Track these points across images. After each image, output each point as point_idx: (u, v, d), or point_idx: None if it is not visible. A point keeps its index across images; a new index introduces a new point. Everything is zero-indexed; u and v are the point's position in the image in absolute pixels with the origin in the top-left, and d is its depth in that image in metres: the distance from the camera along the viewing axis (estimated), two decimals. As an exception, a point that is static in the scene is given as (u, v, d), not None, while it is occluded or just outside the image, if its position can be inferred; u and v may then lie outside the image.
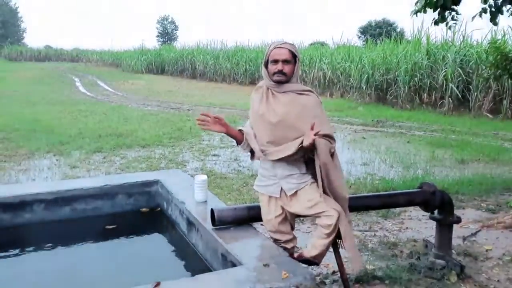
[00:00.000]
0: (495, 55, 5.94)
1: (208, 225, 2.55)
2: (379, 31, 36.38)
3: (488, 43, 9.70)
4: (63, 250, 2.95)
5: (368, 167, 6.40)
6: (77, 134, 8.30)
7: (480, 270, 3.09)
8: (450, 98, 12.23)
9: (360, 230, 3.87)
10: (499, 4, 4.43)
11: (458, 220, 3.08)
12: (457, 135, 8.97)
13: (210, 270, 2.40)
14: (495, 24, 4.53)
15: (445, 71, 12.44)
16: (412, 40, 14.81)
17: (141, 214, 3.42)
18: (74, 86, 21.28)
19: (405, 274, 2.95)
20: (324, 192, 2.36)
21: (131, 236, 3.16)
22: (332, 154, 2.37)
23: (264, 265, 2.04)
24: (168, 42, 55.17)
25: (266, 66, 2.41)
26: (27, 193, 3.12)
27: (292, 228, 2.54)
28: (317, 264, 2.46)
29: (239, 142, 2.49)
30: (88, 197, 3.26)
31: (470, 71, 12.28)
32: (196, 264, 2.61)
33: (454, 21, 4.72)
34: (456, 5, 4.57)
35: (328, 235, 2.33)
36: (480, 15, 4.54)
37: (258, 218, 2.57)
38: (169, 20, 64.15)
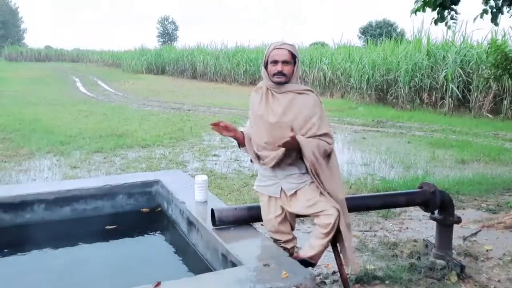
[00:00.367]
0: (495, 55, 5.94)
1: (209, 225, 2.55)
2: (379, 31, 36.43)
3: (488, 43, 9.69)
4: (64, 250, 2.95)
5: (368, 167, 6.41)
6: (77, 134, 8.30)
7: (480, 270, 3.09)
8: (450, 99, 12.23)
9: (361, 230, 3.87)
10: (500, 5, 4.43)
11: (459, 220, 3.08)
12: (457, 135, 8.97)
13: (210, 270, 2.40)
14: (496, 24, 4.53)
15: (445, 72, 12.43)
16: (413, 40, 14.80)
17: (141, 214, 3.42)
18: (75, 86, 21.29)
19: (405, 274, 2.95)
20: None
21: (131, 236, 3.16)
22: (329, 155, 2.37)
23: (264, 265, 2.04)
24: (169, 42, 55.25)
25: (265, 67, 2.41)
26: (28, 193, 3.12)
27: (292, 228, 2.54)
28: (314, 264, 2.46)
29: (242, 146, 2.51)
30: (89, 197, 3.27)
31: (471, 71, 12.28)
32: (196, 264, 2.61)
33: (454, 21, 4.72)
34: (455, 5, 4.57)
35: (326, 234, 2.32)
36: (481, 16, 4.54)
37: (258, 218, 2.57)
38: (170, 20, 64.26)
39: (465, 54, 12.65)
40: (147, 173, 4.55)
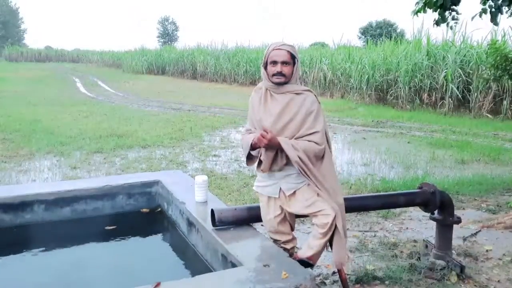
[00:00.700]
0: (495, 56, 5.94)
1: (208, 225, 2.55)
2: (379, 31, 36.41)
3: (488, 44, 9.68)
4: (63, 250, 2.95)
5: (368, 167, 6.41)
6: (77, 134, 8.30)
7: (480, 271, 3.09)
8: (450, 99, 12.23)
9: (361, 231, 3.87)
10: (499, 4, 4.42)
11: (458, 221, 3.09)
12: (457, 135, 8.97)
13: (210, 271, 2.40)
14: (496, 24, 4.52)
15: (445, 72, 12.44)
16: (413, 40, 14.81)
17: (141, 214, 3.42)
18: (75, 86, 21.30)
19: (405, 274, 2.95)
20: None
21: (131, 237, 3.17)
22: (323, 157, 2.37)
23: (264, 266, 2.05)
24: (169, 42, 55.24)
25: (265, 67, 2.41)
26: (28, 194, 3.13)
27: (292, 228, 2.55)
28: (313, 265, 2.46)
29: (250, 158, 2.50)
30: (89, 198, 3.27)
31: (470, 71, 12.28)
32: (196, 265, 2.62)
33: (455, 21, 4.72)
34: (455, 5, 4.57)
35: (324, 234, 2.33)
36: (480, 15, 4.54)
37: (258, 219, 2.57)
38: (170, 20, 64.24)
39: (465, 55, 12.65)
40: (147, 173, 4.55)
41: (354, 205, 2.89)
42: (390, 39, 16.94)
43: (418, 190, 3.10)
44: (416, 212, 4.30)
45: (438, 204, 3.00)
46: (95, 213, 3.28)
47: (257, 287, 1.85)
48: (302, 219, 3.83)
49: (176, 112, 12.30)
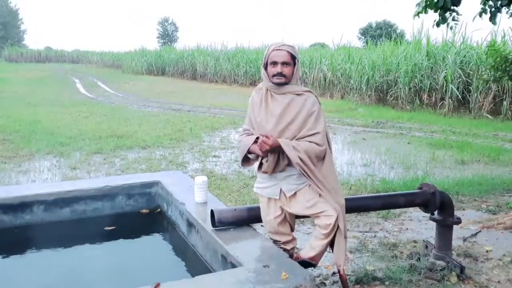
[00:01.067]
0: (495, 57, 5.94)
1: (208, 226, 2.55)
2: (379, 32, 36.45)
3: (488, 45, 9.70)
4: (63, 251, 2.95)
5: (368, 168, 6.41)
6: (77, 135, 8.30)
7: (480, 271, 3.09)
8: (450, 99, 12.23)
9: (361, 231, 3.87)
10: (499, 5, 4.43)
11: (458, 221, 3.08)
12: (457, 136, 8.97)
13: (210, 271, 2.40)
14: (494, 23, 4.53)
15: (445, 72, 12.44)
16: (412, 41, 14.82)
17: (141, 215, 3.42)
18: (75, 87, 21.30)
19: (405, 275, 2.95)
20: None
21: (131, 237, 3.17)
22: (324, 158, 2.36)
23: (264, 266, 2.04)
24: (169, 43, 55.27)
25: (265, 68, 2.41)
26: (27, 195, 3.12)
27: (292, 229, 2.54)
28: (315, 265, 2.46)
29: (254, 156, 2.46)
30: (88, 198, 3.27)
31: (470, 72, 12.28)
32: (196, 265, 2.61)
33: (455, 22, 4.73)
34: (456, 6, 4.57)
35: (326, 235, 2.33)
36: (480, 15, 4.55)
37: (258, 219, 2.57)
38: (170, 21, 64.28)
39: (464, 55, 12.66)
40: (147, 174, 4.55)
41: (354, 206, 2.88)
42: (390, 40, 16.96)
43: (418, 191, 3.09)
44: (416, 212, 4.29)
45: (438, 205, 3.00)
46: (95, 214, 3.28)
47: (257, 288, 1.84)
48: (302, 219, 3.83)
49: (176, 112, 12.30)
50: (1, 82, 22.10)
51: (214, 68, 24.45)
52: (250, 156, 2.42)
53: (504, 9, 4.56)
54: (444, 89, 12.48)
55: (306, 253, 2.40)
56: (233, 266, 2.16)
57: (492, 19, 4.46)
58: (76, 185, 3.37)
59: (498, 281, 2.95)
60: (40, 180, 5.51)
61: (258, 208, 2.55)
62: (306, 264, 2.36)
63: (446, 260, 3.03)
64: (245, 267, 2.05)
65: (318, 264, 2.59)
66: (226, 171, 6.00)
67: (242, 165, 2.50)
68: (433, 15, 4.72)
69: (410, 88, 13.31)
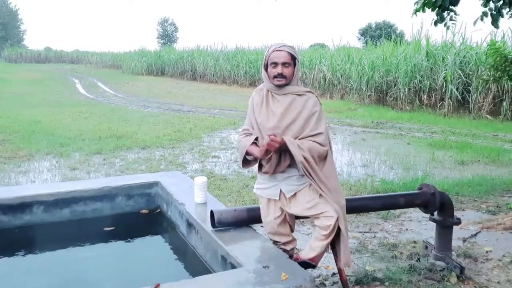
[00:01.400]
0: (495, 57, 5.93)
1: (208, 226, 2.55)
2: (379, 32, 36.48)
3: (488, 45, 9.70)
4: (63, 252, 2.95)
5: (368, 168, 6.40)
6: (77, 135, 8.30)
7: (480, 272, 3.09)
8: (450, 100, 12.23)
9: (360, 232, 3.87)
10: (499, 7, 4.43)
11: (458, 222, 3.08)
12: (457, 136, 8.97)
13: (209, 272, 2.40)
14: (497, 27, 4.53)
15: (444, 73, 12.44)
16: (412, 41, 14.82)
17: (141, 215, 3.42)
18: (74, 87, 21.30)
19: (405, 275, 2.95)
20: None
21: (130, 238, 3.16)
22: (325, 158, 2.36)
23: (264, 267, 2.04)
24: (169, 43, 55.27)
25: (265, 69, 2.41)
26: (27, 195, 3.12)
27: (292, 230, 2.54)
28: (314, 266, 2.45)
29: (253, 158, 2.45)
30: (88, 199, 3.26)
31: (470, 72, 12.29)
32: (195, 266, 2.61)
33: (453, 22, 4.73)
34: (454, 6, 4.57)
35: (326, 236, 2.32)
36: (482, 19, 4.54)
37: (258, 220, 2.57)
38: (170, 22, 64.30)
39: (464, 56, 12.67)
40: (146, 174, 4.54)
41: (354, 206, 2.88)
42: (390, 40, 16.94)
43: (418, 191, 3.09)
44: (416, 213, 4.29)
45: (438, 205, 3.00)
46: (94, 214, 3.28)
47: (257, 289, 1.84)
48: (302, 220, 3.83)
49: (175, 113, 12.30)
50: (0, 82, 22.10)
51: (213, 68, 24.46)
52: (248, 158, 2.42)
53: (505, 11, 4.56)
54: (443, 89, 12.48)
55: (306, 254, 2.40)
56: (233, 266, 2.16)
57: (494, 23, 4.45)
58: (75, 186, 3.37)
59: (498, 282, 2.95)
60: (40, 180, 5.50)
61: (258, 208, 2.54)
62: (306, 264, 2.36)
63: (446, 260, 3.03)
64: (245, 268, 2.05)
65: (318, 265, 2.59)
66: (226, 172, 6.00)
67: (242, 166, 2.50)
68: (432, 15, 4.73)
69: (409, 89, 13.31)
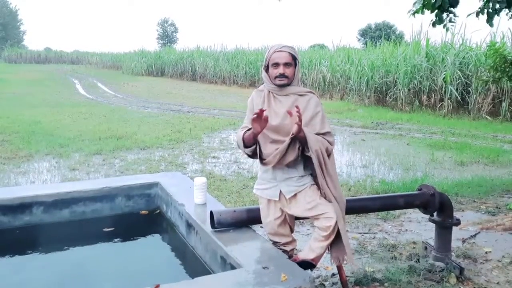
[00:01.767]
0: (494, 58, 5.94)
1: (208, 227, 2.55)
2: (378, 33, 36.50)
3: (487, 46, 9.70)
4: (62, 252, 2.95)
5: (367, 169, 6.41)
6: (76, 136, 8.30)
7: (479, 272, 3.09)
8: (449, 100, 12.24)
9: (360, 232, 3.87)
10: (497, 7, 4.44)
11: (458, 222, 3.09)
12: (456, 137, 8.97)
13: (209, 273, 2.40)
14: (491, 25, 4.54)
15: (444, 74, 12.45)
16: (412, 42, 14.83)
17: (140, 216, 3.42)
18: (74, 88, 21.29)
19: (404, 276, 2.95)
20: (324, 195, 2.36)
21: (130, 239, 3.16)
22: (329, 155, 2.37)
23: (264, 268, 2.04)
24: (168, 44, 55.28)
25: (266, 70, 2.41)
26: (27, 196, 3.12)
27: (292, 230, 2.54)
28: (314, 266, 2.45)
29: (251, 145, 2.39)
30: (88, 200, 3.26)
31: (469, 73, 12.30)
32: (195, 267, 2.61)
33: (452, 23, 4.74)
34: (453, 7, 4.58)
35: (327, 237, 2.32)
36: (477, 15, 4.55)
37: (258, 221, 2.57)
38: (169, 22, 64.30)
39: (464, 56, 12.68)
40: (146, 175, 4.54)
41: (353, 207, 2.88)
42: (389, 41, 16.95)
43: (417, 192, 3.10)
44: (415, 214, 4.30)
45: (437, 206, 3.01)
46: (94, 215, 3.28)
47: (256, 289, 1.84)
48: (301, 221, 3.83)
49: (175, 113, 12.30)
50: (0, 82, 22.09)
51: (213, 69, 24.46)
52: (246, 151, 2.38)
53: (504, 11, 4.57)
54: (443, 90, 12.49)
55: (305, 255, 2.40)
56: (233, 267, 2.16)
57: (489, 21, 4.47)
58: (75, 186, 3.37)
59: (497, 282, 2.96)
60: (40, 181, 5.50)
61: (258, 209, 2.54)
62: (306, 265, 2.36)
63: (445, 261, 3.03)
64: (244, 269, 2.05)
65: (318, 266, 2.59)
66: (226, 172, 6.00)
67: (251, 157, 2.44)
68: (431, 16, 4.73)
69: (409, 89, 13.32)
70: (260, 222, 2.55)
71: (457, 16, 4.66)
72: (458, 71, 12.30)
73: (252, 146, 2.37)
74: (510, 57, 5.82)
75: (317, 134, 2.32)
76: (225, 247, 2.29)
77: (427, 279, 2.93)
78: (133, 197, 3.42)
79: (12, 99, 15.04)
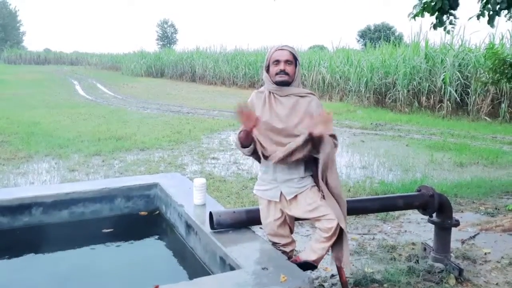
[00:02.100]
0: (493, 59, 5.96)
1: (207, 228, 2.55)
2: (378, 34, 36.55)
3: (486, 47, 9.72)
4: (61, 253, 2.94)
5: (367, 170, 6.41)
6: (76, 137, 8.29)
7: (478, 274, 3.09)
8: (448, 102, 12.25)
9: (359, 233, 3.87)
10: (497, 8, 4.45)
11: (457, 223, 3.09)
12: (455, 138, 8.98)
13: (208, 274, 2.40)
14: (492, 26, 4.55)
15: (443, 75, 12.46)
16: (411, 43, 14.85)
17: (139, 217, 3.42)
18: (73, 89, 21.29)
19: (403, 277, 2.95)
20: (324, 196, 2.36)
21: (129, 240, 3.16)
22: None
23: (263, 269, 2.04)
24: (168, 45, 55.30)
25: (267, 70, 2.41)
26: (26, 196, 3.12)
27: (291, 231, 2.54)
28: (316, 267, 2.46)
29: (248, 145, 2.37)
30: (87, 200, 3.26)
31: (469, 74, 12.31)
32: (194, 268, 2.61)
33: (452, 25, 4.75)
34: (454, 9, 4.59)
35: (328, 238, 2.32)
36: (478, 18, 4.57)
37: (257, 221, 2.57)
38: (169, 23, 64.34)
39: (463, 58, 12.69)
40: (145, 176, 4.54)
41: (353, 208, 2.88)
42: (389, 42, 16.98)
43: (416, 193, 3.10)
44: (414, 215, 4.30)
45: (437, 207, 3.01)
46: (93, 216, 3.28)
47: (256, 290, 1.85)
48: (301, 222, 3.83)
49: (175, 114, 12.30)
50: (0, 83, 22.07)
51: (213, 70, 24.47)
52: (244, 151, 2.38)
53: (502, 12, 4.58)
54: (442, 91, 12.50)
55: (307, 256, 2.39)
56: (232, 268, 2.16)
57: (490, 22, 4.48)
58: (74, 187, 3.37)
59: (496, 284, 2.96)
60: (39, 182, 5.50)
61: (257, 210, 2.54)
62: (306, 266, 2.36)
63: (444, 262, 3.04)
64: (243, 270, 2.05)
65: (317, 266, 2.59)
66: (225, 173, 6.00)
67: (255, 159, 2.45)
68: (431, 19, 4.74)
69: (408, 91, 13.33)
70: (260, 223, 2.55)
71: (458, 18, 4.67)
72: (457, 73, 12.32)
73: (249, 146, 2.36)
74: (509, 59, 5.84)
75: None
76: (224, 248, 2.29)
77: (426, 280, 2.93)
78: (132, 198, 3.42)
79: (12, 100, 15.03)
